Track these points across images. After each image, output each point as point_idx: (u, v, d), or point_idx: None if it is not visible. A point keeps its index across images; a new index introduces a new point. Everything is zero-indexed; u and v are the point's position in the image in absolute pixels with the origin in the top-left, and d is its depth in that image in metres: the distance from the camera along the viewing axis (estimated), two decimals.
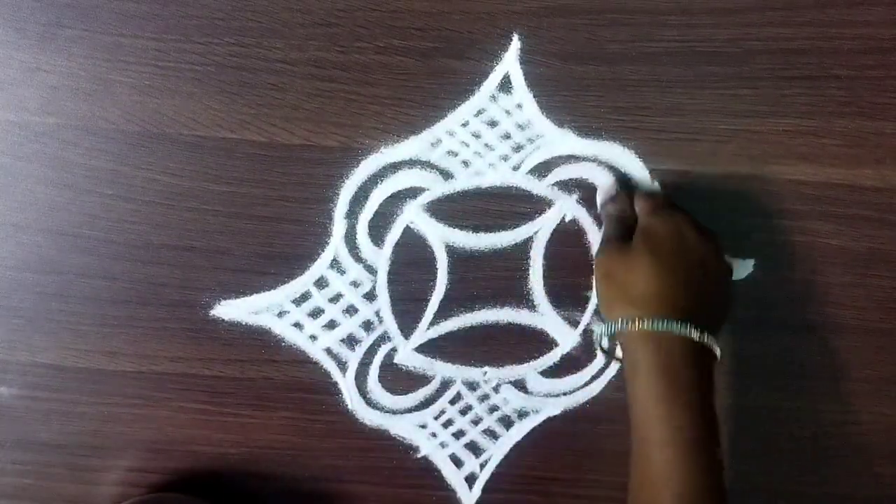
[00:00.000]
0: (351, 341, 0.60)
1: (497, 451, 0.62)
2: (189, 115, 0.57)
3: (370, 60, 0.57)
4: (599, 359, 0.61)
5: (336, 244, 0.59)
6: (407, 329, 0.60)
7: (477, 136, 0.58)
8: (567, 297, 0.60)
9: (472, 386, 0.61)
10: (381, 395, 0.61)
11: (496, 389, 0.61)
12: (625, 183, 0.58)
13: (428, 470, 0.62)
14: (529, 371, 0.61)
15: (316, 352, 0.60)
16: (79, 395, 0.60)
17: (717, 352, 0.51)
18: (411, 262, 0.59)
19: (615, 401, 0.62)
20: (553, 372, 0.61)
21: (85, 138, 0.57)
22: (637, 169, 0.58)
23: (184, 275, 0.59)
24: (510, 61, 0.57)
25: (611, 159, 0.58)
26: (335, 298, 0.59)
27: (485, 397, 0.61)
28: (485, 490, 0.62)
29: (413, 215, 0.59)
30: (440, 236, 0.59)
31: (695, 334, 0.49)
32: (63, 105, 0.56)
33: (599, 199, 0.58)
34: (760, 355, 0.61)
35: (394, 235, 0.59)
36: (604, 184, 0.58)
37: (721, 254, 0.54)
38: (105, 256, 0.58)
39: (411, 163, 0.58)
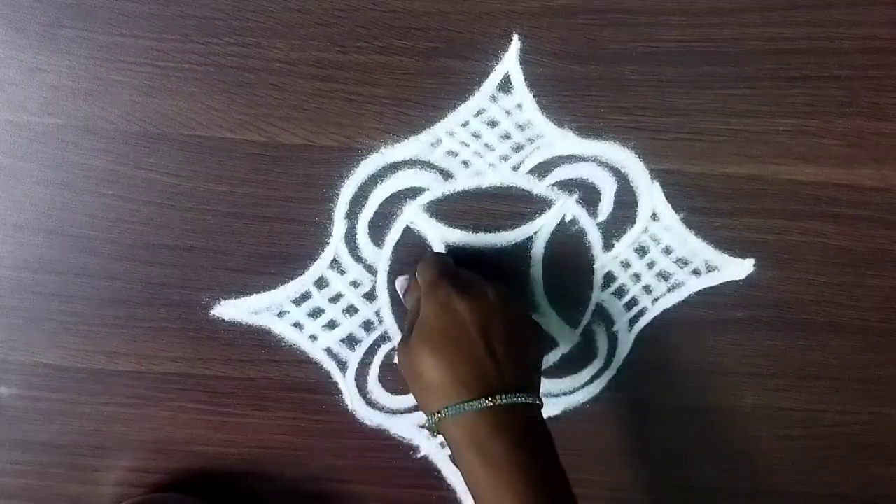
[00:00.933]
0: (351, 341, 0.60)
1: None
2: (189, 115, 0.57)
3: (370, 60, 0.57)
4: (599, 359, 0.61)
5: (336, 244, 0.59)
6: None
7: (477, 136, 0.58)
8: (567, 297, 0.60)
9: None
10: (381, 395, 0.61)
11: None
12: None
13: (428, 470, 0.62)
14: None
15: (316, 352, 0.60)
16: (79, 395, 0.60)
17: (534, 401, 0.49)
18: (411, 262, 0.59)
19: (615, 401, 0.62)
20: (553, 372, 0.61)
21: (85, 138, 0.57)
22: (637, 169, 0.58)
23: (184, 275, 0.59)
24: (510, 61, 0.57)
25: (611, 159, 0.58)
26: (335, 298, 0.60)
27: None
28: None
29: (413, 215, 0.59)
30: (440, 236, 0.59)
31: (489, 403, 0.48)
32: (63, 105, 0.56)
33: (399, 290, 0.58)
34: (760, 355, 0.61)
35: (394, 235, 0.59)
36: (400, 279, 0.58)
37: (503, 303, 0.51)
38: (105, 256, 0.58)
39: (411, 163, 0.58)
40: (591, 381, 0.61)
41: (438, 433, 0.50)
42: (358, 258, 0.59)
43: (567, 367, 0.61)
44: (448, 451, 0.61)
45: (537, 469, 0.48)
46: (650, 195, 0.59)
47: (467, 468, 0.48)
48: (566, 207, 0.59)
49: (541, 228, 0.59)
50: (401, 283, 0.58)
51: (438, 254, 0.58)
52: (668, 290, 0.60)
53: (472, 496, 0.49)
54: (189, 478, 0.61)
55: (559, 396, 0.61)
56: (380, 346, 0.60)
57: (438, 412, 0.49)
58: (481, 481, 0.48)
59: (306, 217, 0.58)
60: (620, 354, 0.61)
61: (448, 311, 0.50)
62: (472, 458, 0.48)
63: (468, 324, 0.50)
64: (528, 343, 0.52)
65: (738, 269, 0.60)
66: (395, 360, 0.60)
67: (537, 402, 0.50)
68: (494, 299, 0.51)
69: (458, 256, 0.59)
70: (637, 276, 0.60)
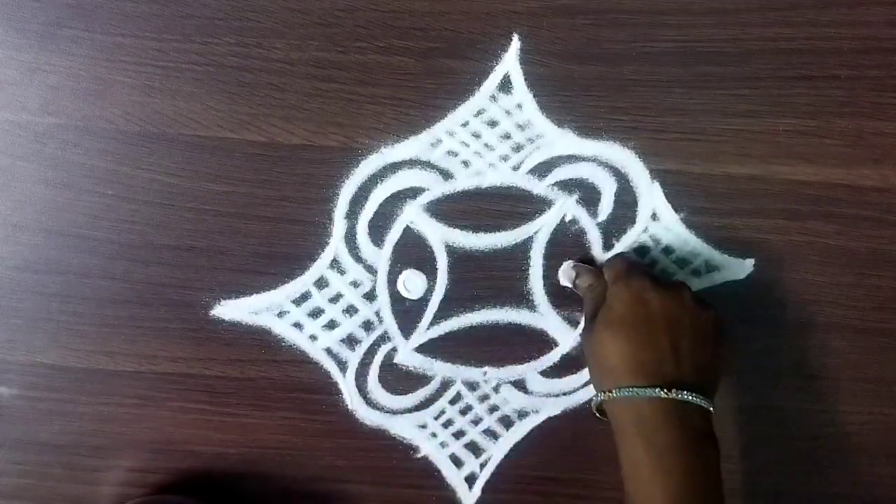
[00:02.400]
0: (351, 341, 0.60)
1: (497, 451, 0.62)
2: (189, 115, 0.57)
3: (370, 60, 0.57)
4: None
5: (336, 244, 0.59)
6: (407, 329, 0.60)
7: (477, 136, 0.58)
8: (567, 297, 0.60)
9: (472, 386, 0.61)
10: (381, 395, 0.61)
11: (496, 389, 0.61)
12: (586, 258, 0.59)
13: (428, 470, 0.62)
14: (529, 371, 0.61)
15: (316, 352, 0.60)
16: (79, 395, 0.60)
17: (708, 406, 0.50)
18: (411, 262, 0.59)
19: None
20: (553, 372, 0.61)
21: (85, 138, 0.57)
22: (637, 169, 0.58)
23: (184, 275, 0.59)
24: (510, 61, 0.57)
25: (611, 159, 0.58)
26: (335, 298, 0.60)
27: (485, 397, 0.61)
28: (485, 490, 0.62)
29: (413, 215, 0.59)
30: (440, 236, 0.59)
31: (662, 394, 0.49)
32: (63, 105, 0.56)
33: (561, 279, 0.59)
34: (760, 355, 0.61)
35: (394, 235, 0.59)
36: (564, 266, 0.59)
37: (696, 305, 0.53)
38: (105, 256, 0.58)
39: (411, 163, 0.58)
40: (591, 381, 0.61)
41: (601, 414, 0.52)
42: (358, 258, 0.59)
43: (567, 367, 0.61)
44: (448, 451, 0.61)
45: (698, 472, 0.49)
46: (650, 195, 0.59)
47: (628, 451, 0.50)
48: (566, 207, 0.59)
49: (541, 228, 0.59)
50: (567, 271, 0.59)
51: (630, 254, 0.59)
52: None
53: (625, 478, 0.50)
54: (189, 478, 0.61)
55: (559, 396, 0.61)
56: (380, 346, 0.60)
57: (609, 391, 0.50)
58: (640, 466, 0.49)
59: (306, 217, 0.58)
60: None
61: (639, 301, 0.52)
62: (637, 443, 0.49)
63: (657, 315, 0.51)
64: (713, 349, 0.53)
65: (738, 269, 0.60)
66: (396, 360, 0.60)
67: (710, 407, 0.50)
68: (687, 299, 0.52)
69: (457, 256, 0.59)
70: None
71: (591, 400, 0.54)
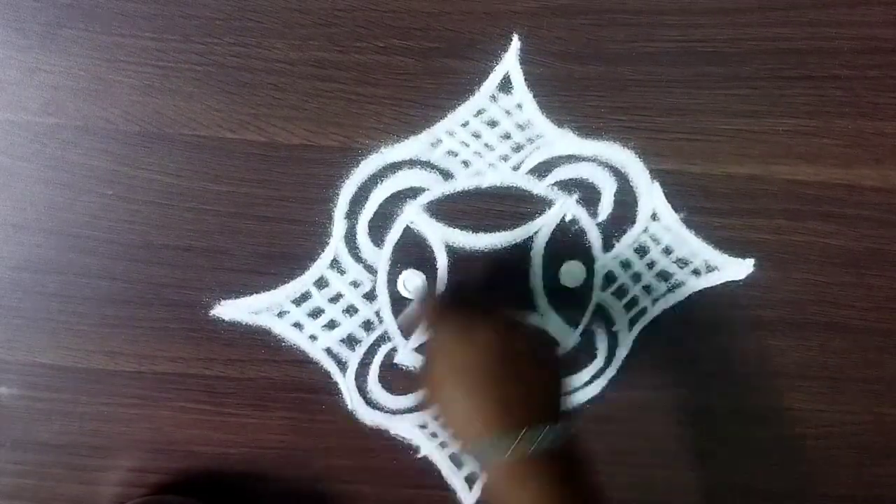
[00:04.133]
0: (351, 341, 0.60)
1: None
2: (189, 115, 0.57)
3: (370, 60, 0.57)
4: (599, 359, 0.61)
5: (336, 244, 0.59)
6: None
7: (477, 136, 0.58)
8: (567, 297, 0.60)
9: None
10: (381, 395, 0.61)
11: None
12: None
13: (428, 470, 0.62)
14: None
15: (316, 352, 0.60)
16: (79, 395, 0.60)
17: (561, 432, 0.46)
18: (411, 262, 0.59)
19: (615, 401, 0.62)
20: None
21: (85, 138, 0.57)
22: (637, 169, 0.58)
23: (184, 275, 0.59)
24: (510, 61, 0.57)
25: (611, 159, 0.58)
26: (335, 298, 0.60)
27: None
28: None
29: (413, 215, 0.59)
30: (440, 236, 0.59)
31: (520, 443, 0.45)
32: (63, 105, 0.56)
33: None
34: (760, 355, 0.61)
35: (394, 235, 0.59)
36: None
37: (507, 329, 0.49)
38: (105, 256, 0.58)
39: (411, 163, 0.58)
40: (591, 381, 0.61)
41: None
42: (358, 258, 0.59)
43: (567, 366, 0.61)
44: (448, 451, 0.61)
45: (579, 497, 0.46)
46: (650, 195, 0.59)
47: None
48: (566, 207, 0.59)
49: (541, 228, 0.59)
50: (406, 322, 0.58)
51: (422, 298, 0.57)
52: (668, 290, 0.60)
53: None
54: (189, 478, 0.61)
55: None
56: (380, 346, 0.60)
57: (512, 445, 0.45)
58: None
59: (306, 217, 0.58)
60: (620, 354, 0.61)
61: (443, 354, 0.48)
62: (518, 498, 0.45)
63: (470, 359, 0.47)
64: (533, 371, 0.49)
65: (738, 269, 0.60)
66: (396, 360, 0.60)
67: (569, 430, 0.47)
68: (492, 334, 0.48)
69: (457, 256, 0.59)
70: (637, 276, 0.60)
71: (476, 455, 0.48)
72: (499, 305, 0.52)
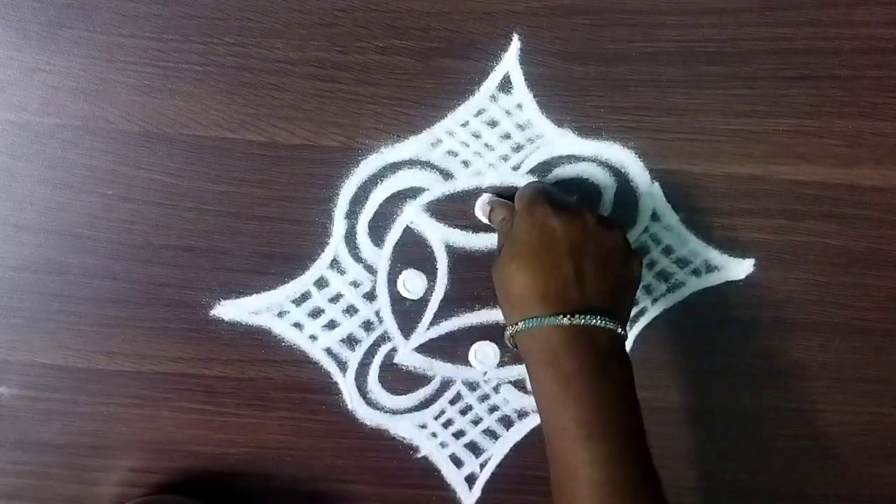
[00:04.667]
0: (351, 341, 0.60)
1: (497, 451, 0.62)
2: (189, 115, 0.57)
3: (370, 60, 0.57)
4: None
5: (336, 244, 0.59)
6: (407, 329, 0.60)
7: (477, 136, 0.58)
8: None
9: (472, 386, 0.61)
10: (381, 395, 0.61)
11: (496, 389, 0.61)
12: (505, 193, 0.58)
13: (428, 470, 0.62)
14: None
15: (316, 352, 0.60)
16: (79, 395, 0.60)
17: (615, 327, 0.49)
18: (411, 262, 0.59)
19: None
20: None
21: (85, 138, 0.57)
22: (637, 169, 0.58)
23: (184, 275, 0.59)
24: (510, 61, 0.57)
25: (611, 159, 0.58)
26: (335, 298, 0.59)
27: (485, 397, 0.61)
28: (485, 490, 0.62)
29: (413, 215, 0.59)
30: (440, 236, 0.59)
31: (566, 321, 0.48)
32: (63, 105, 0.56)
33: (478, 213, 0.59)
34: (760, 355, 0.61)
35: (394, 235, 0.59)
36: (480, 199, 0.58)
37: (600, 228, 0.51)
38: (105, 256, 0.58)
39: (411, 163, 0.58)
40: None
41: (516, 347, 0.51)
42: (358, 258, 0.59)
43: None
44: (448, 451, 0.61)
45: (608, 395, 0.48)
46: (650, 195, 0.59)
47: (539, 382, 0.49)
48: None
49: None
50: (483, 205, 0.58)
51: (538, 182, 0.58)
52: (668, 290, 0.60)
53: (539, 412, 0.50)
54: (189, 478, 0.61)
55: None
56: (380, 346, 0.60)
57: (516, 324, 0.49)
58: (549, 396, 0.48)
59: (306, 217, 0.58)
60: None
61: (541, 229, 0.50)
62: (546, 372, 0.48)
63: (560, 242, 0.50)
64: (620, 271, 0.51)
65: (738, 269, 0.60)
66: (396, 360, 0.60)
67: (619, 330, 0.49)
68: (591, 223, 0.51)
69: (457, 256, 0.59)
70: None
71: (505, 336, 0.52)
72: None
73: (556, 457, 0.48)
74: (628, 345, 0.61)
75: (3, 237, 0.58)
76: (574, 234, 0.50)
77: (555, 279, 0.49)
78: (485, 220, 0.58)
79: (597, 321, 0.48)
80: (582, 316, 0.48)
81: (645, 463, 0.48)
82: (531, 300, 0.49)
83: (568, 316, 0.48)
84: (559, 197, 0.54)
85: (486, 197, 0.58)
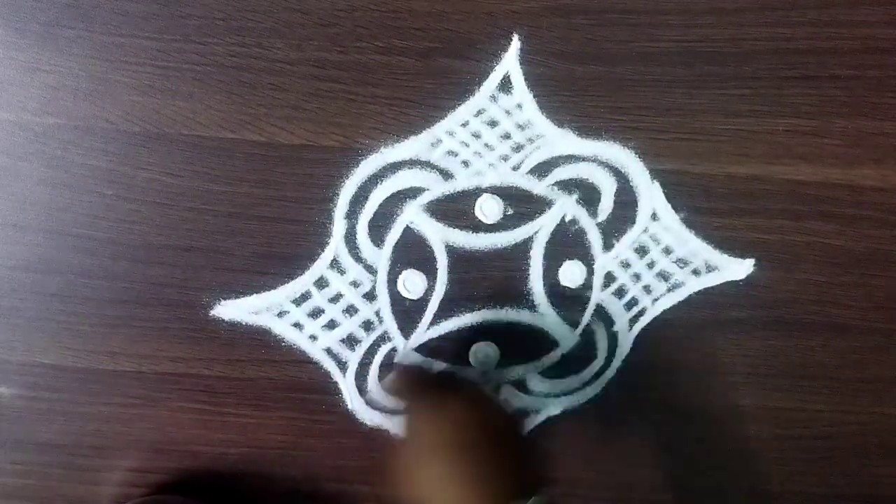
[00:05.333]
0: (351, 341, 0.60)
1: None
2: (189, 115, 0.57)
3: (370, 60, 0.57)
4: (599, 359, 0.61)
5: (336, 244, 0.59)
6: (407, 329, 0.60)
7: (477, 136, 0.58)
8: (567, 297, 0.60)
9: None
10: (381, 394, 0.61)
11: (496, 389, 0.61)
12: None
13: None
14: (529, 371, 0.61)
15: (316, 352, 0.60)
16: (79, 395, 0.60)
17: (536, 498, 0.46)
18: (411, 262, 0.59)
19: (615, 401, 0.62)
20: (553, 372, 0.61)
21: (85, 138, 0.57)
22: (637, 169, 0.58)
23: (184, 275, 0.59)
24: (510, 61, 0.57)
25: (611, 159, 0.58)
26: (335, 298, 0.60)
27: None
28: None
29: (413, 215, 0.59)
30: (440, 236, 0.59)
31: None
32: (63, 105, 0.56)
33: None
34: (760, 355, 0.61)
35: (394, 235, 0.59)
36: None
37: (477, 404, 0.50)
38: (105, 256, 0.58)
39: (411, 163, 0.58)
40: (591, 381, 0.61)
41: None
42: (358, 258, 0.59)
43: (567, 367, 0.61)
44: None
45: None
46: (650, 195, 0.59)
47: None
48: (566, 207, 0.59)
49: (541, 228, 0.59)
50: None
51: (393, 376, 0.58)
52: (668, 290, 0.60)
53: None
54: (189, 478, 0.61)
55: (559, 396, 0.61)
56: (380, 346, 0.60)
57: None
58: None
59: (306, 217, 0.58)
60: (620, 354, 0.61)
61: (413, 439, 0.49)
62: None
63: (434, 442, 0.48)
64: (487, 448, 0.49)
65: (738, 269, 0.60)
66: (396, 360, 0.60)
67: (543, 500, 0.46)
68: (459, 412, 0.49)
69: (457, 256, 0.59)
70: (637, 276, 0.60)
71: None
72: (466, 382, 0.53)
73: None
74: (628, 345, 0.61)
75: (3, 237, 0.58)
76: (440, 430, 0.48)
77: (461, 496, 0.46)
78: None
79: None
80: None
81: None
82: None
83: None
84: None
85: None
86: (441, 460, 0.48)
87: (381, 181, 0.58)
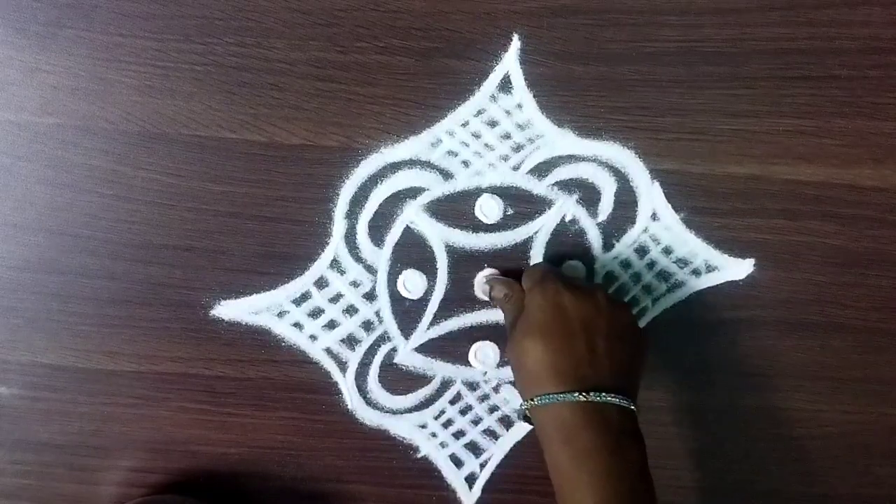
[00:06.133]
0: (351, 341, 0.60)
1: (497, 451, 0.62)
2: (189, 115, 0.57)
3: (370, 60, 0.57)
4: None
5: (336, 244, 0.59)
6: (407, 329, 0.60)
7: (477, 136, 0.58)
8: None
9: (472, 386, 0.61)
10: (381, 395, 0.61)
11: (496, 389, 0.61)
12: (504, 270, 0.59)
13: (428, 470, 0.62)
14: None
15: (316, 352, 0.60)
16: (79, 395, 0.60)
17: (629, 405, 0.50)
18: (411, 262, 0.59)
19: None
20: None
21: (85, 138, 0.57)
22: (637, 169, 0.58)
23: (184, 275, 0.59)
24: (510, 61, 0.57)
25: (611, 159, 0.58)
26: (335, 298, 0.60)
27: (485, 397, 0.61)
28: (485, 490, 0.62)
29: (413, 215, 0.59)
30: (440, 236, 0.59)
31: (581, 398, 0.49)
32: (63, 105, 0.56)
33: (477, 292, 0.59)
34: (760, 355, 0.61)
35: (394, 235, 0.59)
36: (478, 278, 0.59)
37: (611, 305, 0.52)
38: (105, 256, 0.58)
39: (411, 163, 0.58)
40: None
41: (529, 420, 0.52)
42: (358, 258, 0.59)
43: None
44: (448, 451, 0.61)
45: (622, 472, 0.48)
46: (650, 195, 0.59)
47: (552, 457, 0.50)
48: (566, 207, 0.59)
49: (541, 228, 0.59)
50: (481, 284, 0.59)
51: (546, 263, 0.59)
52: (668, 290, 0.60)
53: (555, 486, 0.50)
54: (189, 478, 0.61)
55: None
56: (380, 346, 0.60)
57: (531, 399, 0.50)
58: (563, 473, 0.49)
59: (306, 217, 0.58)
60: None
61: (553, 306, 0.52)
62: (560, 449, 0.49)
63: (572, 319, 0.51)
64: (631, 348, 0.53)
65: (738, 269, 0.60)
66: (396, 360, 0.60)
67: (631, 406, 0.50)
68: (602, 300, 0.52)
69: (457, 256, 0.59)
70: (637, 276, 0.60)
71: (518, 409, 0.53)
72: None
73: None
74: None
75: (3, 237, 0.58)
76: (586, 312, 0.51)
77: (568, 356, 0.50)
78: (484, 298, 0.59)
79: (611, 398, 0.49)
80: (597, 393, 0.49)
81: None
82: (546, 377, 0.50)
83: (582, 393, 0.49)
84: (569, 276, 0.56)
85: (484, 274, 0.59)
86: (552, 334, 0.51)
87: (381, 181, 0.58)
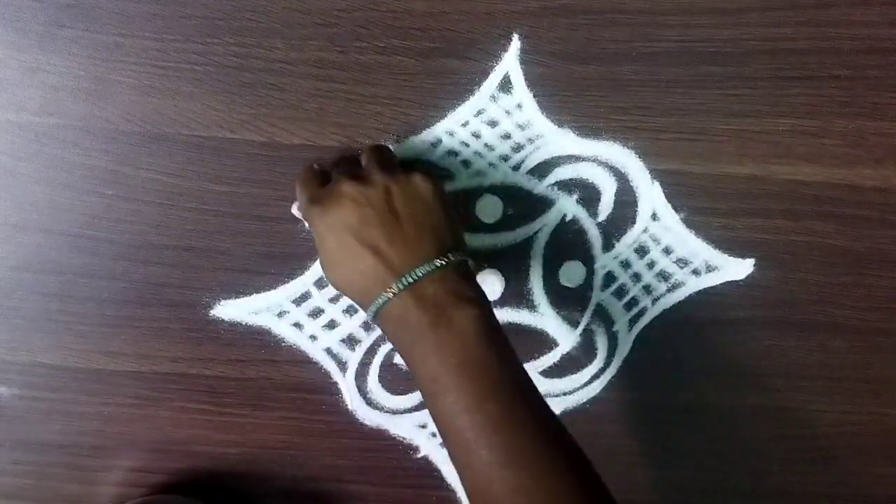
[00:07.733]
0: (351, 341, 0.60)
1: None
2: (189, 115, 0.57)
3: (370, 60, 0.57)
4: (599, 359, 0.61)
5: None
6: None
7: (477, 135, 0.58)
8: (567, 297, 0.60)
9: None
10: (381, 395, 0.61)
11: None
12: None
13: (428, 470, 0.62)
14: (529, 371, 0.61)
15: (316, 352, 0.60)
16: (79, 395, 0.60)
17: (451, 257, 0.48)
18: None
19: (615, 401, 0.62)
20: (553, 372, 0.61)
21: (85, 138, 0.57)
22: (637, 169, 0.58)
23: (184, 275, 0.59)
24: (510, 61, 0.57)
25: (611, 159, 0.58)
26: (335, 298, 0.59)
27: None
28: None
29: None
30: None
31: (392, 294, 0.47)
32: (63, 105, 0.56)
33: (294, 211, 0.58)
34: (760, 355, 0.61)
35: None
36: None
37: (363, 187, 0.50)
38: (105, 256, 0.58)
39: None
40: (591, 381, 0.61)
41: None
42: None
43: (567, 367, 0.61)
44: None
45: (452, 345, 0.47)
46: (650, 195, 0.59)
47: (407, 356, 0.48)
48: (566, 207, 0.59)
49: (541, 228, 0.59)
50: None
51: (301, 172, 0.56)
52: (668, 290, 0.60)
53: (420, 386, 0.48)
54: (189, 478, 0.61)
55: (559, 396, 0.61)
56: (380, 345, 0.60)
57: (367, 311, 0.49)
58: (419, 358, 0.47)
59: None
60: (620, 354, 0.61)
61: (322, 233, 0.50)
62: (407, 350, 0.48)
63: (344, 233, 0.49)
64: (414, 206, 0.50)
65: (738, 269, 0.60)
66: (396, 360, 0.60)
67: (451, 257, 0.49)
68: (349, 191, 0.50)
69: None
70: (637, 276, 0.60)
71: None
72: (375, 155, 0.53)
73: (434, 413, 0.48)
74: (628, 345, 0.61)
75: (3, 237, 0.58)
76: (347, 217, 0.49)
77: (364, 262, 0.49)
78: (298, 215, 0.57)
79: (416, 274, 0.47)
80: (409, 276, 0.47)
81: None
82: (363, 289, 0.49)
83: (394, 283, 0.47)
84: (313, 181, 0.54)
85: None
86: (355, 237, 0.49)
87: None
